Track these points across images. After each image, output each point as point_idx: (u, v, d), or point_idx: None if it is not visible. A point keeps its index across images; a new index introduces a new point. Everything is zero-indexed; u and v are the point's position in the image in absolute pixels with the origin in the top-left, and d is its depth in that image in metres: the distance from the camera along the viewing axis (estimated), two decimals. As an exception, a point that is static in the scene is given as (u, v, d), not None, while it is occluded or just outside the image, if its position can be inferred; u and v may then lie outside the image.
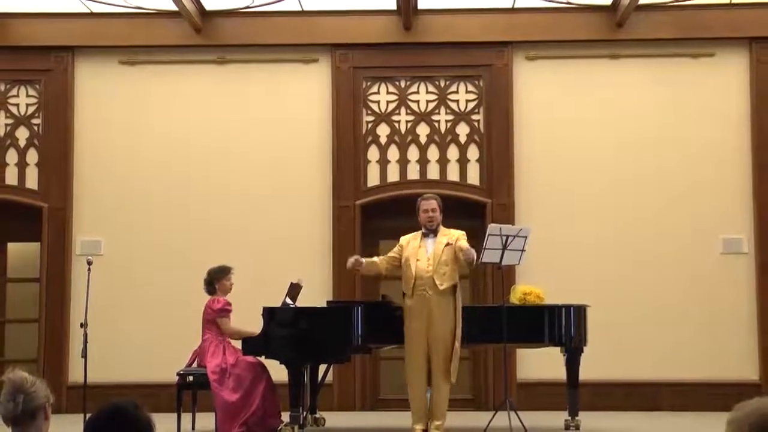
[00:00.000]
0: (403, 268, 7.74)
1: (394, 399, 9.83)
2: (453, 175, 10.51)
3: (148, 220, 10.44)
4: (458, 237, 7.70)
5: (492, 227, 7.83)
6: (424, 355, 7.57)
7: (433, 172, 10.52)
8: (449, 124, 10.56)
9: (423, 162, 10.53)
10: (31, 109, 10.67)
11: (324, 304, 8.45)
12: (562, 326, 8.00)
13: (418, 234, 7.79)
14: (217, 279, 8.31)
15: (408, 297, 7.64)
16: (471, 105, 10.58)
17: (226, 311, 8.18)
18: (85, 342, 7.60)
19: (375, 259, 8.07)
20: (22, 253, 10.96)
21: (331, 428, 8.49)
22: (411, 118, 10.58)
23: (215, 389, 7.93)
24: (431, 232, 7.72)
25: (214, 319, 8.17)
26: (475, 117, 10.57)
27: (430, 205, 7.75)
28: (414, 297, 7.59)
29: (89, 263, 7.82)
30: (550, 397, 9.15)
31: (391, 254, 7.92)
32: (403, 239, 7.86)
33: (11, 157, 10.62)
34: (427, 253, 7.66)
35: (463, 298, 7.84)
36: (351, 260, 7.90)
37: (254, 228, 10.36)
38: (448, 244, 7.63)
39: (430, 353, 7.57)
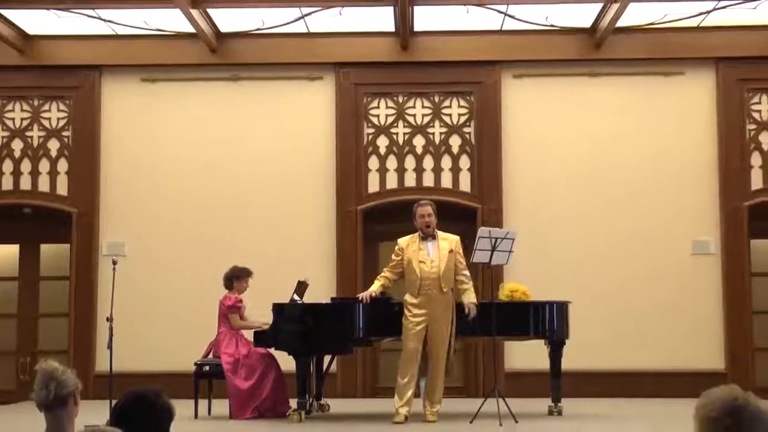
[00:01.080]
0: (406, 271, 7.66)
1: (391, 387, 9.77)
2: (446, 182, 10.52)
3: (167, 224, 10.46)
4: (456, 242, 7.69)
5: (482, 230, 7.83)
6: (421, 347, 7.56)
7: (428, 180, 10.53)
8: (443, 136, 10.57)
9: (419, 170, 10.54)
10: (61, 123, 10.68)
11: (328, 301, 8.45)
12: (546, 321, 7.99)
13: (416, 236, 7.72)
14: (236, 277, 8.33)
15: (413, 296, 7.56)
16: (463, 119, 10.59)
17: (236, 308, 8.21)
18: (111, 334, 7.59)
19: (380, 281, 7.75)
20: (54, 253, 10.97)
21: (335, 414, 8.48)
22: (408, 130, 10.59)
23: (229, 378, 7.95)
24: (429, 235, 7.71)
25: (226, 314, 8.20)
26: (466, 130, 10.59)
27: (426, 211, 7.69)
28: (420, 296, 7.53)
29: (114, 263, 7.81)
30: (536, 385, 9.13)
31: (392, 263, 7.76)
32: (402, 241, 7.77)
33: (44, 166, 10.64)
34: (429, 255, 7.60)
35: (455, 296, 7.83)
36: (366, 298, 7.64)
37: (265, 231, 10.37)
38: (451, 251, 7.62)
39: (429, 346, 7.56)
